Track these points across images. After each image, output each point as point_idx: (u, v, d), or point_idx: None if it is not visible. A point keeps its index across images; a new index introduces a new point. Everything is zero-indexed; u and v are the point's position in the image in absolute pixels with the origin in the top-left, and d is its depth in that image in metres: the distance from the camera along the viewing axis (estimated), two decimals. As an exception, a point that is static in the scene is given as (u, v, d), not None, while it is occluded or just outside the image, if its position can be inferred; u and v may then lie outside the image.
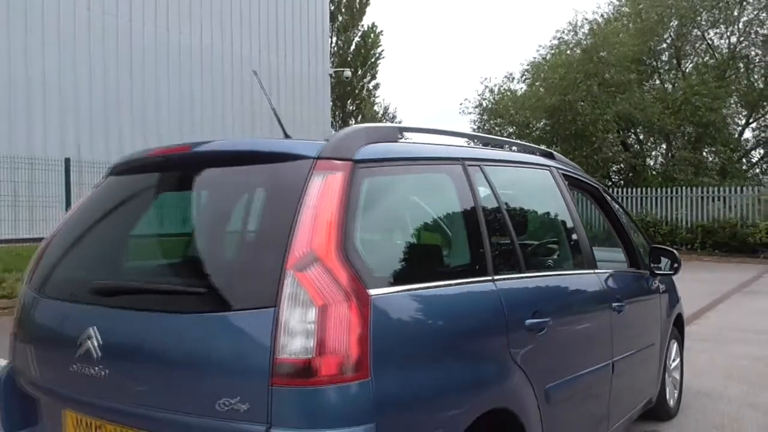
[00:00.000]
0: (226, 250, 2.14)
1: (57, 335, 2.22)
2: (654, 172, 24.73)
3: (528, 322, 2.46)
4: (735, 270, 14.90)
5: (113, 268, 2.37)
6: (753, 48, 25.46)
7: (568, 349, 2.81)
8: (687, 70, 26.43)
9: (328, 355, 1.71)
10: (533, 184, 3.18)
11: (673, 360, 4.48)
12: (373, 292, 1.83)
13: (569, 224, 3.22)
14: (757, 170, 27.27)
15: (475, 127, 29.52)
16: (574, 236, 3.23)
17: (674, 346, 4.49)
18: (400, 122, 43.48)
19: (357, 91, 40.08)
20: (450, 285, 2.23)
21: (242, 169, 2.14)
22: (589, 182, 3.81)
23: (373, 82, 41.18)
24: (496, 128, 28.68)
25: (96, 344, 1.99)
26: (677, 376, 4.57)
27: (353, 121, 40.11)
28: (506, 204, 2.69)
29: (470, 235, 2.44)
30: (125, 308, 2.02)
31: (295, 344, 1.70)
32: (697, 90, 22.45)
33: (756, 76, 26.14)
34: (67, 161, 10.53)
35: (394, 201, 2.29)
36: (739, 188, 19.71)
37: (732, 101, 25.55)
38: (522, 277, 2.61)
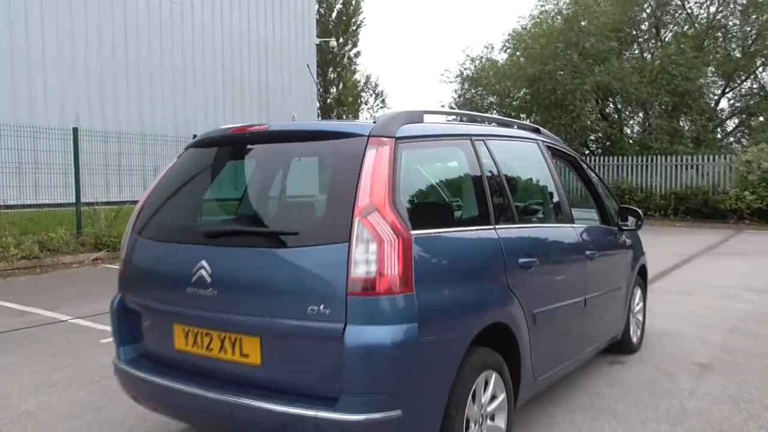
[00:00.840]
0: (310, 204, 2.85)
1: (173, 268, 2.91)
2: (631, 141, 25.55)
3: (520, 260, 3.22)
4: (705, 234, 15.85)
5: (217, 217, 3.08)
6: (731, 18, 26.17)
7: (550, 284, 3.59)
8: (666, 40, 27.10)
9: (385, 276, 2.44)
10: (524, 154, 3.92)
11: (637, 304, 5.30)
12: (413, 233, 2.56)
13: (552, 187, 3.98)
14: (731, 139, 28.25)
15: (456, 96, 30.12)
16: (556, 197, 4.00)
17: (638, 293, 5.31)
18: (381, 91, 43.82)
19: (338, 59, 40.22)
20: (465, 230, 3.00)
21: (313, 143, 2.86)
22: (568, 152, 4.56)
23: (354, 50, 41.36)
24: (477, 98, 29.33)
25: (207, 272, 2.70)
26: (640, 317, 5.40)
27: (334, 89, 40.32)
28: (504, 170, 3.43)
29: (477, 194, 3.19)
30: (232, 246, 2.74)
31: (362, 268, 2.43)
32: (674, 59, 23.13)
33: (733, 46, 26.88)
34: (75, 131, 11.03)
35: (423, 167, 3.02)
36: (712, 156, 20.64)
37: (709, 71, 26.29)
38: (516, 227, 3.36)
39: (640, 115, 27.58)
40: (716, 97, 27.63)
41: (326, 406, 2.44)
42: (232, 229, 2.88)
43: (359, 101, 39.70)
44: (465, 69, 29.11)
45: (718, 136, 27.42)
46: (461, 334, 2.73)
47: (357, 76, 40.87)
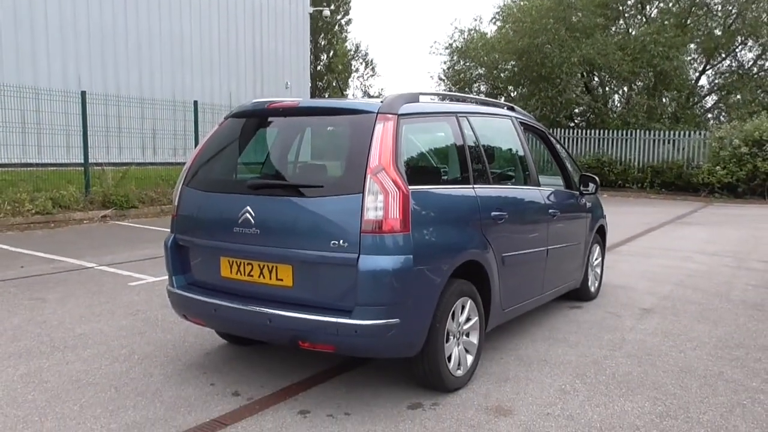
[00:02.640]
0: (332, 164, 3.65)
1: (221, 212, 3.70)
2: (613, 115, 26.41)
3: (492, 213, 4.06)
4: (676, 206, 16.84)
5: (257, 173, 3.88)
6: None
7: (517, 234, 4.43)
8: (651, 15, 27.76)
9: (389, 220, 3.26)
10: (499, 128, 4.73)
11: (596, 259, 6.19)
12: (410, 188, 3.37)
13: (522, 156, 4.81)
14: (710, 116, 29.19)
15: (446, 67, 30.67)
16: (525, 164, 4.83)
17: (597, 249, 6.19)
18: (372, 59, 44.13)
19: (329, 27, 40.45)
20: (449, 188, 3.84)
21: (334, 117, 3.67)
22: (538, 127, 5.37)
23: (345, 18, 41.58)
24: (465, 69, 29.95)
25: (251, 216, 3.50)
26: (599, 271, 6.29)
27: (324, 56, 40.72)
28: (482, 141, 4.25)
29: (460, 160, 4.01)
30: (272, 195, 3.54)
31: (372, 213, 3.24)
32: (655, 38, 23.89)
33: (714, 24, 27.66)
34: (83, 94, 11.61)
35: (418, 138, 3.81)
36: (687, 132, 21.56)
37: (691, 48, 27.06)
38: (490, 188, 4.19)
39: (624, 89, 28.45)
40: (697, 74, 28.52)
41: (344, 315, 3.28)
42: (272, 183, 3.67)
43: (350, 69, 40.09)
44: (454, 41, 29.68)
45: (697, 112, 28.34)
46: (444, 266, 3.57)
47: (347, 45, 41.12)
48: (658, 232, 11.57)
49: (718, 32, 26.97)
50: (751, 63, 27.99)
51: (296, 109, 3.79)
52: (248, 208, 3.53)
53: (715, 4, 27.17)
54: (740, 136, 18.93)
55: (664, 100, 26.86)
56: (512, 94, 29.97)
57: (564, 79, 23.93)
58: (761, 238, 10.87)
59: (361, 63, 40.69)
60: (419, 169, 3.73)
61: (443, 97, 4.21)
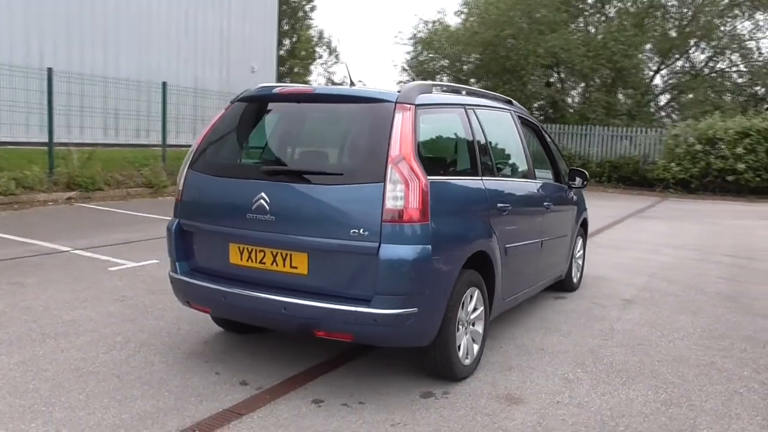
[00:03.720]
0: (351, 152, 3.61)
1: (232, 198, 3.62)
2: (571, 110, 26.96)
3: (498, 205, 4.11)
4: (634, 200, 17.34)
5: (270, 159, 3.81)
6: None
7: (519, 226, 4.49)
8: (610, 15, 28.41)
9: (409, 209, 3.25)
10: (501, 121, 4.78)
11: (579, 250, 6.33)
12: (429, 178, 3.38)
13: (521, 149, 4.88)
14: (663, 114, 30.10)
15: (410, 57, 30.75)
16: (524, 157, 4.90)
17: (580, 241, 6.33)
18: (336, 47, 43.75)
19: (293, 12, 39.83)
20: (461, 179, 3.86)
21: (351, 105, 3.62)
22: (532, 121, 5.44)
23: (310, 5, 41.01)
24: (428, 60, 30.09)
25: (266, 202, 3.44)
26: (580, 263, 6.44)
27: (288, 41, 40.12)
28: (487, 134, 4.28)
29: (469, 152, 4.04)
30: (288, 182, 3.48)
31: (393, 203, 3.23)
32: (615, 36, 24.47)
33: (670, 26, 28.51)
34: (50, 71, 11.13)
35: (433, 129, 3.81)
36: (644, 129, 22.21)
37: (647, 48, 27.83)
38: (495, 179, 4.23)
39: (582, 85, 29.07)
40: (651, 73, 29.35)
41: (362, 304, 3.27)
42: (289, 170, 3.62)
43: (314, 56, 39.67)
44: (418, 32, 29.75)
45: (651, 110, 29.19)
46: (458, 256, 3.59)
47: (311, 32, 40.64)
48: (622, 226, 11.90)
49: (673, 33, 27.81)
50: (702, 64, 29.03)
51: (311, 95, 3.74)
52: (263, 194, 3.46)
53: (671, 6, 28.01)
54: (695, 134, 19.59)
55: (620, 97, 27.60)
56: (475, 87, 30.20)
57: (528, 71, 24.27)
58: (719, 232, 11.31)
59: (325, 50, 40.29)
60: (434, 160, 3.73)
61: (450, 89, 4.21)
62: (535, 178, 4.98)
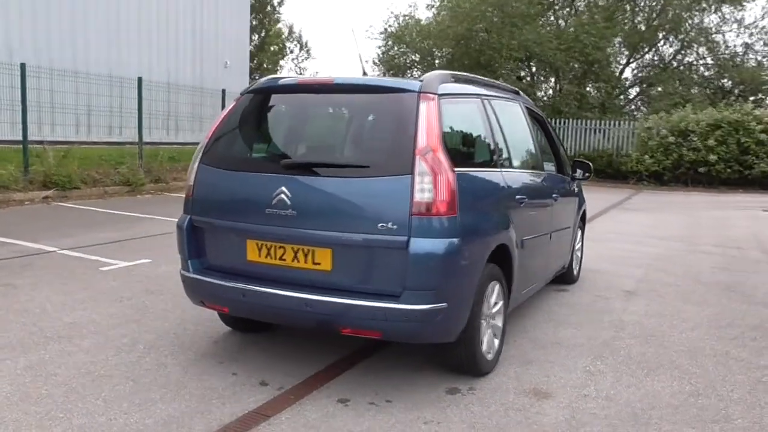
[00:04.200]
0: (376, 144, 3.51)
1: (250, 193, 3.49)
2: (542, 104, 27.17)
3: (517, 197, 4.06)
4: (610, 193, 17.51)
5: (291, 152, 3.69)
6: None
7: (533, 218, 4.45)
8: (579, 8, 28.70)
9: (438, 202, 3.17)
10: (512, 112, 4.72)
11: (578, 242, 6.34)
12: (456, 169, 3.30)
13: (531, 140, 4.83)
14: (632, 107, 30.56)
15: (381, 52, 30.66)
16: (533, 148, 4.86)
17: (579, 233, 6.34)
18: (306, 41, 43.39)
19: (261, 7, 39.37)
20: (482, 170, 3.79)
21: (372, 95, 3.52)
22: (538, 113, 5.41)
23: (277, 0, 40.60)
24: (400, 55, 30.04)
25: (287, 197, 3.33)
26: (579, 255, 6.45)
27: (256, 36, 39.70)
28: (502, 125, 4.23)
29: (488, 143, 3.97)
30: (311, 176, 3.37)
31: (422, 195, 3.15)
32: (586, 29, 24.71)
33: (639, 19, 28.93)
34: (23, 66, 10.74)
35: (454, 119, 3.73)
36: (617, 122, 22.49)
37: (616, 41, 28.20)
38: (511, 171, 4.18)
39: (552, 79, 29.33)
40: (621, 67, 29.76)
41: (391, 300, 3.18)
42: (312, 162, 3.50)
43: (283, 51, 39.25)
44: (389, 26, 29.65)
45: (621, 103, 29.62)
46: (484, 249, 3.53)
47: (281, 26, 40.23)
48: (605, 218, 12.01)
49: (642, 27, 28.23)
50: (671, 57, 29.54)
51: (331, 86, 3.63)
52: (283, 188, 3.35)
53: (639, 1, 28.44)
54: (667, 127, 19.90)
55: (590, 90, 27.91)
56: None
57: (502, 64, 24.37)
58: (700, 223, 11.48)
59: (296, 45, 39.92)
60: (456, 151, 3.66)
61: (465, 79, 4.13)
62: (543, 169, 4.95)
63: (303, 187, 3.36)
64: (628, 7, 28.31)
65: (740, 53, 28.65)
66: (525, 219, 4.23)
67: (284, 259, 3.42)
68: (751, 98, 25.21)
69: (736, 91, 27.89)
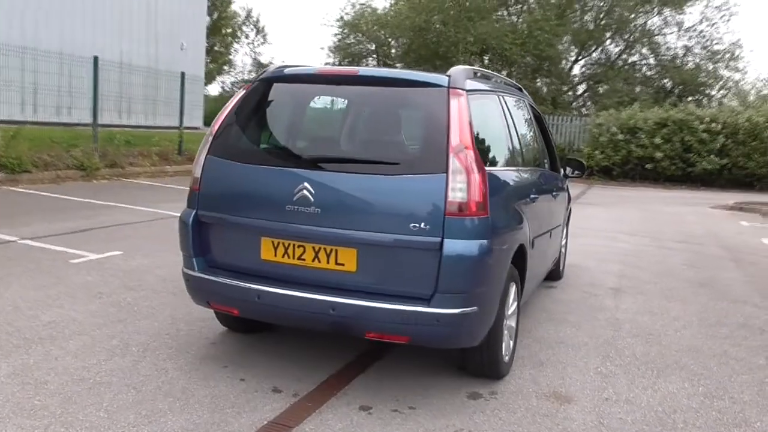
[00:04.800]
0: (407, 139, 3.34)
1: (270, 187, 3.26)
2: (497, 98, 27.37)
3: (530, 196, 3.98)
4: (563, 186, 17.83)
5: (317, 145, 3.47)
6: (590, -10, 28.66)
7: (540, 215, 4.38)
8: (531, 5, 29.09)
9: (472, 201, 3.04)
10: (522, 108, 4.64)
11: (564, 239, 6.35)
12: (486, 168, 3.18)
13: (537, 137, 4.77)
14: (581, 103, 31.28)
15: (336, 40, 30.27)
16: (538, 145, 4.79)
17: (566, 230, 6.35)
18: (263, 26, 42.40)
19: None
20: (505, 169, 3.69)
21: (399, 89, 3.35)
22: (536, 109, 5.35)
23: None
24: (356, 44, 29.75)
25: (310, 193, 3.13)
26: (563, 251, 6.47)
27: (208, 18, 38.55)
28: (516, 122, 4.13)
29: (506, 141, 3.87)
30: (337, 172, 3.17)
31: (456, 194, 3.01)
32: (540, 25, 25.10)
33: (588, 18, 29.63)
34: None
35: (478, 116, 3.58)
36: (569, 118, 22.94)
37: (566, 39, 28.78)
38: (527, 169, 4.11)
39: (504, 73, 29.69)
40: (570, 64, 30.40)
41: (421, 303, 3.04)
42: (339, 157, 3.30)
43: (236, 34, 38.23)
44: (346, 14, 29.31)
45: (570, 99, 30.27)
46: (509, 250, 3.43)
47: (237, 9, 39.13)
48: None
49: (591, 26, 28.90)
50: (616, 56, 30.38)
51: (355, 77, 3.43)
52: (306, 184, 3.14)
53: (588, 0, 29.10)
54: (617, 124, 20.42)
55: (541, 85, 28.39)
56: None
57: (458, 57, 24.43)
58: (656, 218, 11.78)
59: (252, 29, 38.90)
60: (481, 150, 3.53)
61: (483, 74, 4.00)
62: (544, 167, 4.90)
63: (328, 183, 3.16)
64: (577, 6, 28.89)
65: (680, 55, 29.81)
66: (535, 218, 4.15)
67: (303, 259, 3.23)
68: (689, 99, 26.19)
69: (676, 91, 28.94)
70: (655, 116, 20.02)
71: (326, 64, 32.14)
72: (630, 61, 30.58)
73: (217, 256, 3.51)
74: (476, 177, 3.07)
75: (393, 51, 29.58)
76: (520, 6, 29.67)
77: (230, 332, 4.11)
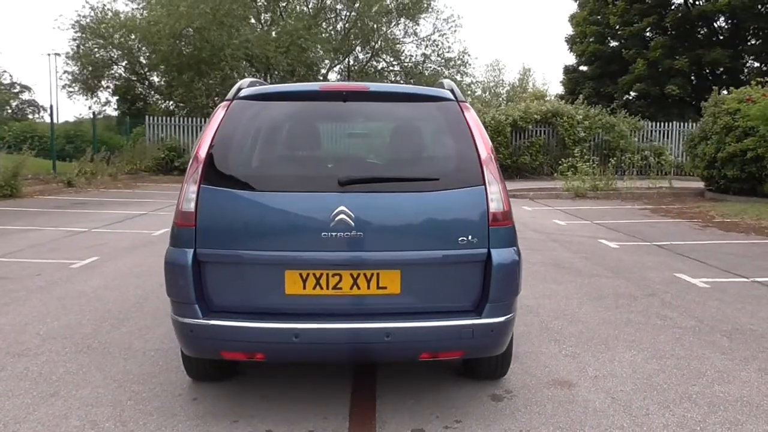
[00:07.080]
0: (437, 154, 3.26)
1: (299, 215, 2.95)
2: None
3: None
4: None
5: (344, 166, 3.18)
6: (340, 3, 30.18)
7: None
8: (283, 14, 29.58)
9: (505, 210, 3.16)
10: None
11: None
12: (502, 178, 3.32)
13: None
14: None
15: (75, 45, 27.37)
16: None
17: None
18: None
19: None
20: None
21: (411, 104, 3.30)
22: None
23: None
24: (97, 49, 27.27)
25: (349, 216, 2.93)
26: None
27: None
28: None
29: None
30: (373, 192, 3.01)
31: (494, 205, 3.10)
32: (301, 34, 25.74)
33: (339, 28, 31.26)
34: None
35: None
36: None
37: (320, 47, 29.89)
38: None
39: (261, 78, 29.69)
40: (325, 70, 31.65)
41: (473, 315, 3.07)
42: (376, 177, 3.10)
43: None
44: (83, 17, 26.64)
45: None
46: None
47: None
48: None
49: (339, 36, 30.57)
50: (365, 63, 32.56)
51: (366, 93, 3.27)
52: (343, 207, 2.95)
53: (340, 11, 30.72)
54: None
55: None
56: (157, 80, 28.62)
57: (229, 63, 23.89)
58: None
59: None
60: None
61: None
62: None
63: (367, 205, 3.01)
64: (331, 16, 30.26)
65: (421, 62, 33.09)
66: None
67: (340, 288, 3.02)
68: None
69: (423, 95, 32.01)
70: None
71: (65, 72, 28.74)
72: (379, 67, 32.97)
73: (222, 298, 3.08)
74: (503, 187, 3.19)
75: (143, 58, 27.72)
76: (269, 15, 29.98)
77: (198, 383, 3.62)
